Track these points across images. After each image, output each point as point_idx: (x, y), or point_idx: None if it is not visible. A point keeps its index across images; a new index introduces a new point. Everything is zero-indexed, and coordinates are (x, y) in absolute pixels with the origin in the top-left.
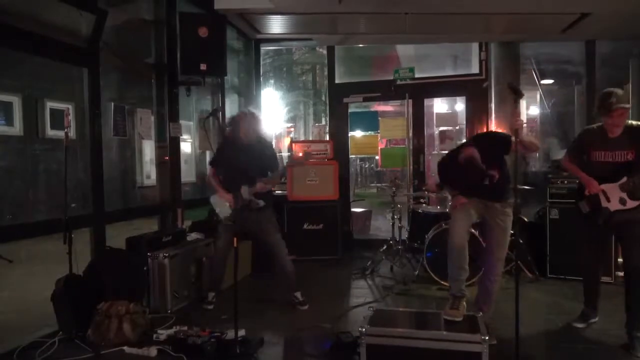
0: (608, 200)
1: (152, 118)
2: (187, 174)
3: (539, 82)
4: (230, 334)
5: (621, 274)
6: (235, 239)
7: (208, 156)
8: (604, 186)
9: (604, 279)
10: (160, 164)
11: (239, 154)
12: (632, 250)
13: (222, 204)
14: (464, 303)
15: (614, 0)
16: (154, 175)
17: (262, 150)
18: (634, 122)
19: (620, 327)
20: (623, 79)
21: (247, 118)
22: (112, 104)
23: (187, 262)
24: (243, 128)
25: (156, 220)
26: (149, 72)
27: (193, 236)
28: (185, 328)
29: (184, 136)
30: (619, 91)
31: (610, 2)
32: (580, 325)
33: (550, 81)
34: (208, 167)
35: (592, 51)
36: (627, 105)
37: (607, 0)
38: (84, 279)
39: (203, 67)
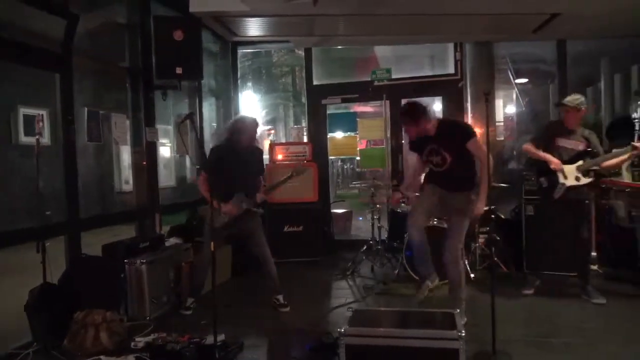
0: (565, 177)
1: (128, 123)
2: (166, 179)
3: (514, 81)
4: (209, 339)
5: (595, 267)
6: (212, 243)
7: (187, 161)
8: (563, 166)
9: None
10: (137, 169)
11: (239, 161)
12: (581, 224)
13: (217, 214)
14: (429, 283)
15: (581, 1)
16: (132, 181)
17: (256, 156)
18: (584, 129)
19: (595, 321)
20: (594, 78)
21: (252, 125)
22: (86, 109)
23: (166, 267)
24: (247, 135)
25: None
26: (124, 77)
27: (172, 241)
28: (164, 335)
29: (162, 140)
30: (574, 94)
31: (578, 4)
32: (528, 292)
33: (525, 80)
34: (198, 171)
35: (563, 51)
36: (568, 105)
37: (575, 2)
38: (59, 288)
39: (179, 70)
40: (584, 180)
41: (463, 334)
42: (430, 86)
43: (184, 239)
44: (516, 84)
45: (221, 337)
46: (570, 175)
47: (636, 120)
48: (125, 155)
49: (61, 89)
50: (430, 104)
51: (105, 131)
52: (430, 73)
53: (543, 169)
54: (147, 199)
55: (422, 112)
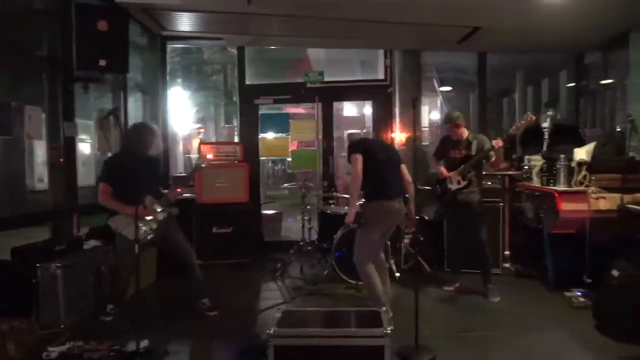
0: (451, 183)
1: (43, 116)
2: (86, 177)
3: (439, 89)
4: (131, 346)
5: (508, 265)
6: (137, 246)
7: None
8: (450, 173)
9: (494, 270)
10: (53, 166)
11: (140, 169)
12: (474, 226)
13: (130, 224)
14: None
15: (501, 17)
16: (47, 179)
17: (155, 166)
18: (476, 134)
19: (508, 315)
20: (510, 89)
21: (152, 131)
22: None
23: (84, 271)
24: (148, 141)
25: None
26: (41, 67)
27: (91, 244)
28: (81, 343)
29: (82, 136)
30: (449, 112)
31: (498, 19)
32: (449, 288)
33: (449, 88)
34: (100, 184)
35: (483, 62)
36: (456, 122)
37: (495, 17)
38: None
39: (102, 62)
40: (463, 183)
41: (389, 331)
42: (361, 90)
43: (105, 241)
44: (441, 92)
45: (144, 344)
46: (454, 180)
47: (545, 129)
48: (40, 151)
49: None
50: (360, 108)
51: (17, 125)
52: (361, 78)
53: (439, 179)
54: (65, 198)
55: None
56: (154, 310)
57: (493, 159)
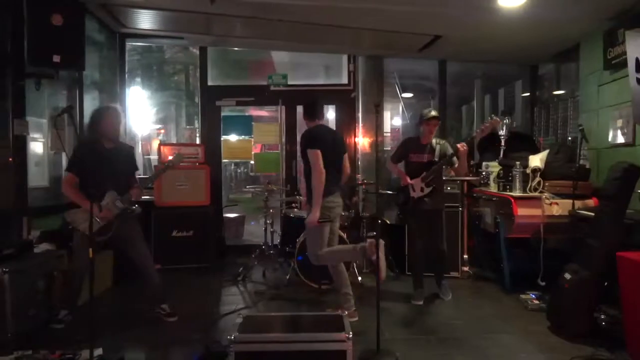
0: (414, 190)
1: None
2: (38, 178)
3: (400, 95)
4: (84, 355)
5: (466, 268)
6: (90, 250)
7: (64, 158)
8: (412, 180)
9: (452, 273)
10: (1, 166)
11: (106, 158)
12: (436, 234)
13: (85, 219)
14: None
15: (460, 26)
16: None
17: (125, 152)
18: (439, 139)
19: (466, 317)
20: (469, 97)
21: (112, 114)
22: None
23: (34, 277)
24: (108, 126)
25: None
26: None
27: (42, 247)
28: (30, 352)
29: (34, 135)
30: (433, 110)
31: (458, 28)
32: (419, 303)
33: (410, 95)
34: (64, 173)
35: (443, 70)
36: (433, 114)
37: (455, 26)
38: None
39: (56, 58)
40: (426, 190)
41: (350, 336)
42: (325, 95)
43: (57, 245)
44: (402, 98)
45: (98, 352)
46: (417, 187)
47: (502, 137)
48: None
49: None
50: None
51: None
52: (325, 82)
53: (401, 185)
54: (13, 200)
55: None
56: (109, 317)
57: (457, 164)
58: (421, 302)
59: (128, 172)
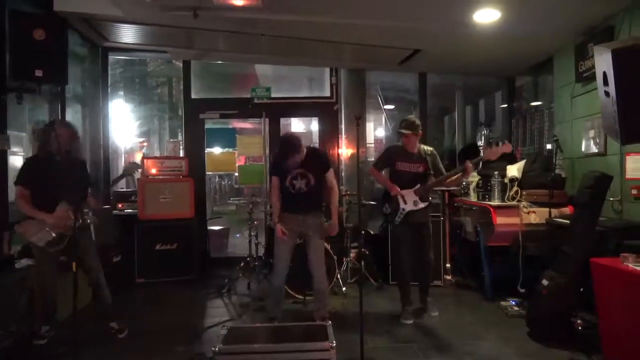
0: (405, 202)
1: None
2: None
3: (383, 107)
4: None
5: (449, 277)
6: (74, 264)
7: None
8: (402, 191)
9: (435, 282)
10: None
11: (59, 171)
12: (424, 246)
13: (40, 230)
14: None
15: (440, 40)
16: None
17: (77, 167)
18: (425, 146)
19: (448, 324)
20: (450, 108)
21: (63, 128)
22: None
23: (15, 292)
24: (59, 140)
25: None
26: None
27: (23, 262)
28: None
29: (15, 149)
30: (410, 118)
31: (437, 42)
32: (408, 322)
33: (392, 107)
34: (17, 187)
35: (424, 82)
36: (405, 132)
37: (434, 40)
38: None
39: (39, 73)
40: (422, 205)
41: (334, 345)
42: (307, 107)
43: None
44: (385, 109)
45: None
46: (409, 199)
47: (481, 147)
48: None
49: None
50: (307, 124)
51: None
52: (308, 94)
53: (388, 194)
54: None
55: (300, 142)
56: (91, 332)
57: (462, 184)
58: (411, 322)
59: (81, 184)
